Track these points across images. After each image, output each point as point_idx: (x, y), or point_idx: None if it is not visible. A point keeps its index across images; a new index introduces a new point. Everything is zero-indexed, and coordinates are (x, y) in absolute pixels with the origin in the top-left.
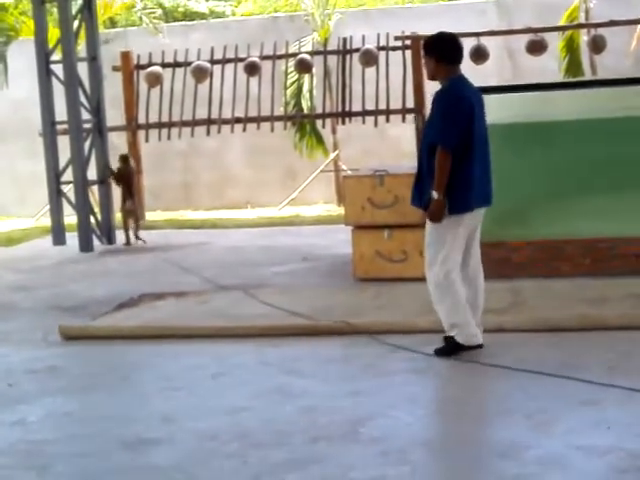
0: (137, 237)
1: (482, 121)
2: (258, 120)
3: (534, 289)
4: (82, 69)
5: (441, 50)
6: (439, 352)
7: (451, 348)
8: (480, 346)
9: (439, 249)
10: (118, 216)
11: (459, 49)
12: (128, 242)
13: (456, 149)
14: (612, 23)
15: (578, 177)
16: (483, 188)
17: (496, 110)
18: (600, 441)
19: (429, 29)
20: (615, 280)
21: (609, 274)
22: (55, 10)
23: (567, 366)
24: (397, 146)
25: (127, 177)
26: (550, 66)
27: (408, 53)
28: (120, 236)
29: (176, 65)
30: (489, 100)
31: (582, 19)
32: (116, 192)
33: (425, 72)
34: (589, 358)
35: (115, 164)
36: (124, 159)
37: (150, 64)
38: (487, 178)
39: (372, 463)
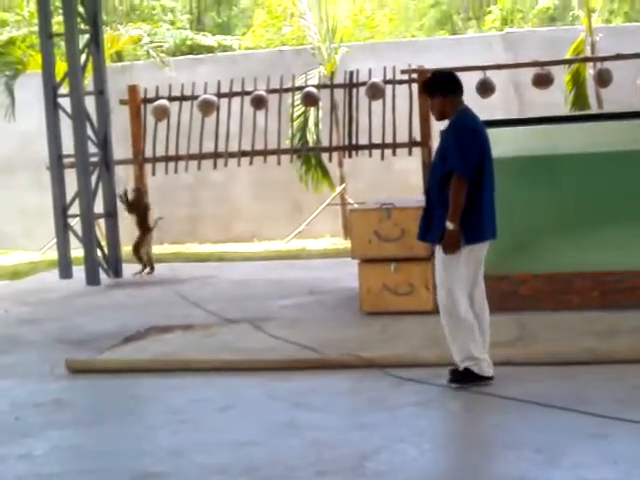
0: (152, 269)
1: (489, 154)
2: (265, 153)
3: (541, 322)
4: (89, 103)
5: (444, 85)
6: (455, 382)
7: (468, 378)
8: (491, 378)
9: (453, 285)
10: (125, 249)
11: (458, 80)
12: (144, 268)
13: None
14: (618, 57)
15: (584, 210)
16: (490, 221)
17: (503, 143)
18: (609, 475)
19: (435, 62)
20: (624, 313)
21: (618, 307)
22: (62, 44)
23: (576, 399)
24: (404, 179)
25: (143, 209)
26: (556, 99)
27: (414, 86)
28: (127, 270)
29: (183, 99)
30: (496, 133)
31: (588, 52)
32: (123, 224)
33: (432, 114)
34: (598, 391)
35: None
36: (140, 191)
37: (157, 98)
38: (493, 211)
39: None
